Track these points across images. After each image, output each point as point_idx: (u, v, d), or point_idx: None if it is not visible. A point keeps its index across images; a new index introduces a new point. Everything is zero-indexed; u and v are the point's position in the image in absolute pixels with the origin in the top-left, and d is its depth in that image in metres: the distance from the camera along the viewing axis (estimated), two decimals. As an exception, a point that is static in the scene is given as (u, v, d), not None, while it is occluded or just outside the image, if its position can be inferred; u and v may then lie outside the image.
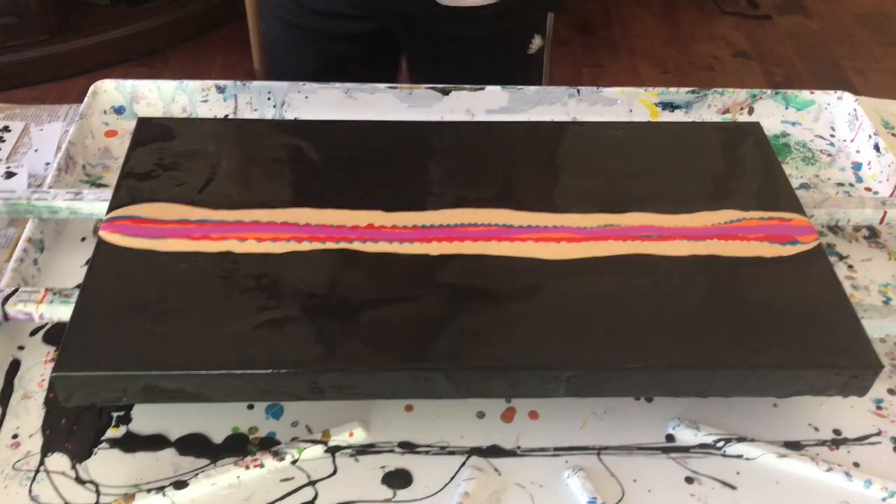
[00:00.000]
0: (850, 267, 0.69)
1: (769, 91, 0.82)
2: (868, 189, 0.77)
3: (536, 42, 0.92)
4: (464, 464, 0.55)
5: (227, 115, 0.80)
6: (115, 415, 0.56)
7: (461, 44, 0.90)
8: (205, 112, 0.80)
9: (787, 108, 0.83)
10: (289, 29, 0.93)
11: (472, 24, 0.88)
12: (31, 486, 0.52)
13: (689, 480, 0.54)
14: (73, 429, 0.55)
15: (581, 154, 0.68)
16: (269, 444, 0.55)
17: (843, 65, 2.18)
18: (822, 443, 0.57)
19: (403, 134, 0.69)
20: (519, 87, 0.80)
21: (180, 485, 0.52)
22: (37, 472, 0.53)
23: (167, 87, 0.79)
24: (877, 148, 0.77)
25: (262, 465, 0.53)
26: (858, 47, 2.25)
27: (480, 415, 0.57)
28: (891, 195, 0.74)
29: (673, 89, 0.81)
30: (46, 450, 0.54)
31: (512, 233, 0.60)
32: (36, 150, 0.79)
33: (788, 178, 0.66)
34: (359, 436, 0.55)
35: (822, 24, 2.35)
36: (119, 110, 0.79)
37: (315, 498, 0.52)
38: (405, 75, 1.01)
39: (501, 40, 0.91)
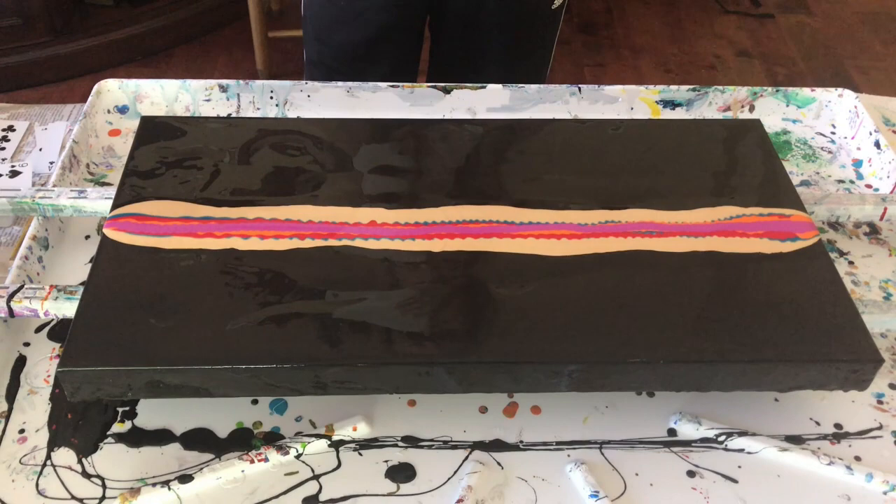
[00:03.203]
0: (851, 263, 0.69)
1: (770, 89, 0.83)
2: (869, 186, 0.77)
3: None
4: (467, 458, 0.55)
5: (229, 114, 0.80)
6: (120, 410, 0.56)
7: None
8: (208, 111, 0.80)
9: (787, 106, 0.83)
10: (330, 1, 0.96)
11: None
12: (37, 480, 0.53)
13: (690, 474, 0.55)
14: (78, 423, 0.55)
15: (582, 151, 0.69)
16: (273, 439, 0.55)
17: (845, 63, 2.18)
18: (824, 437, 0.57)
19: (405, 132, 0.69)
20: (520, 85, 0.80)
21: (185, 479, 0.52)
22: (43, 466, 0.53)
23: (170, 86, 0.79)
24: (877, 145, 0.78)
25: (266, 460, 0.53)
26: (861, 46, 2.25)
27: (483, 409, 0.58)
28: (891, 192, 0.75)
29: (674, 87, 0.81)
30: (53, 444, 0.54)
31: (513, 229, 0.60)
32: (40, 149, 0.80)
33: (789, 175, 0.67)
34: (362, 430, 0.56)
35: (824, 22, 2.35)
36: (122, 109, 0.80)
37: (319, 492, 0.53)
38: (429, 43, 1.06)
39: None
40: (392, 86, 0.80)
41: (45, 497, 0.52)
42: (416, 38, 1.02)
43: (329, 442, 0.55)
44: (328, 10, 0.97)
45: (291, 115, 0.81)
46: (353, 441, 0.55)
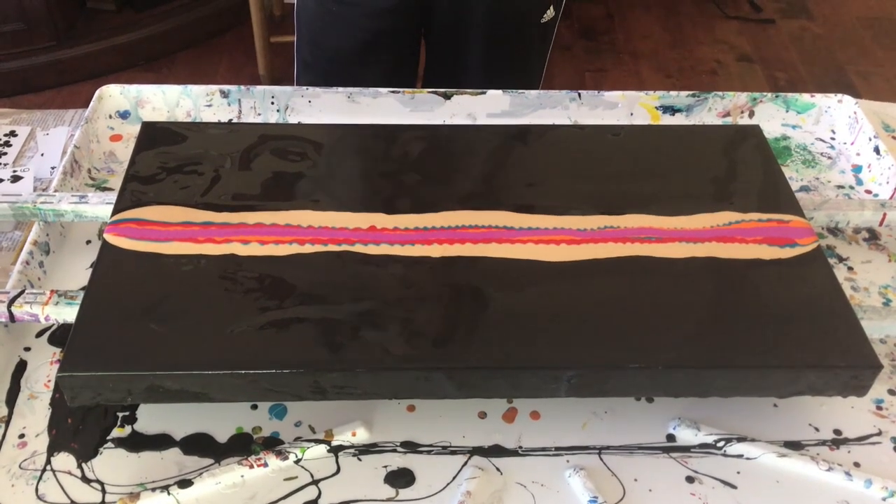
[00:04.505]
0: (850, 269, 0.69)
1: (770, 94, 0.83)
2: (868, 191, 0.77)
3: (549, 13, 0.99)
4: (466, 463, 0.55)
5: (231, 120, 0.81)
6: (120, 415, 0.57)
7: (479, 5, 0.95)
8: (209, 116, 0.81)
9: (787, 112, 0.84)
10: (323, 4, 0.96)
11: None
12: (37, 484, 0.53)
13: (689, 480, 0.55)
14: (78, 428, 0.56)
15: (581, 156, 0.69)
16: (272, 444, 0.55)
17: (846, 69, 2.18)
18: (823, 443, 0.57)
19: (405, 137, 0.70)
20: (520, 91, 0.81)
21: (185, 484, 0.52)
22: (43, 471, 0.53)
23: (172, 91, 0.80)
24: (877, 151, 0.78)
25: (265, 465, 0.53)
26: (862, 51, 2.25)
27: (482, 415, 0.58)
28: (890, 197, 0.75)
29: (674, 93, 0.81)
30: (53, 449, 0.54)
31: (512, 234, 0.60)
32: (42, 155, 0.80)
33: (788, 181, 0.67)
34: (361, 435, 0.56)
35: (825, 27, 2.35)
36: (124, 115, 0.80)
37: (318, 497, 0.53)
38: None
39: (517, 5, 0.97)
40: (393, 91, 0.80)
41: (45, 502, 0.52)
42: (411, 44, 1.02)
43: (328, 447, 0.55)
44: (321, 14, 0.98)
45: (292, 120, 0.81)
46: (352, 446, 0.55)
